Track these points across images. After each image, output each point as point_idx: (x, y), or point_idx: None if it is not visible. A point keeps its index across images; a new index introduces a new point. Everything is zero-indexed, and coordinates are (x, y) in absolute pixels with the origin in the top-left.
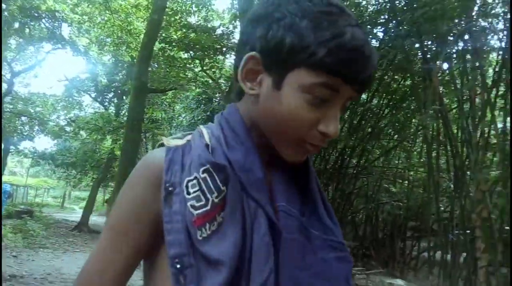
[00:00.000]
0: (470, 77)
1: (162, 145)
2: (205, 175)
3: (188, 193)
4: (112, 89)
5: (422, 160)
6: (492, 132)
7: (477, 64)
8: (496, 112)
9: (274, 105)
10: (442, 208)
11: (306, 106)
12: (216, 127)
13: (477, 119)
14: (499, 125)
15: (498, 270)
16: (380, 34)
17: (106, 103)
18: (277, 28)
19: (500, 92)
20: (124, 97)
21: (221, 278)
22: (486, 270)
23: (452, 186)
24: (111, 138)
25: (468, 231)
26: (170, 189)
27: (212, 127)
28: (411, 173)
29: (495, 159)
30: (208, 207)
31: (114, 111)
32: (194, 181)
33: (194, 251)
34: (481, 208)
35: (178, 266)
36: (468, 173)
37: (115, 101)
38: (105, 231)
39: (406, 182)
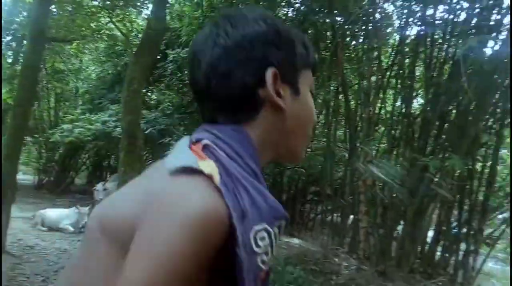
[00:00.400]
0: (368, 57)
1: (187, 168)
2: (276, 229)
3: (258, 246)
4: (11, 32)
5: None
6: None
7: (375, 45)
8: (389, 91)
9: (299, 110)
10: (340, 175)
11: (313, 102)
12: (248, 160)
13: (371, 97)
14: (389, 103)
15: (376, 231)
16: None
17: (3, 47)
18: (282, 42)
19: (393, 73)
20: (24, 41)
21: None
22: (365, 231)
23: (347, 155)
24: (7, 87)
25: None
26: (240, 239)
27: (226, 158)
28: (314, 142)
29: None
30: (271, 262)
31: (12, 57)
32: (264, 233)
33: None
34: (366, 176)
35: None
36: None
37: (14, 45)
38: (160, 272)
39: (309, 150)
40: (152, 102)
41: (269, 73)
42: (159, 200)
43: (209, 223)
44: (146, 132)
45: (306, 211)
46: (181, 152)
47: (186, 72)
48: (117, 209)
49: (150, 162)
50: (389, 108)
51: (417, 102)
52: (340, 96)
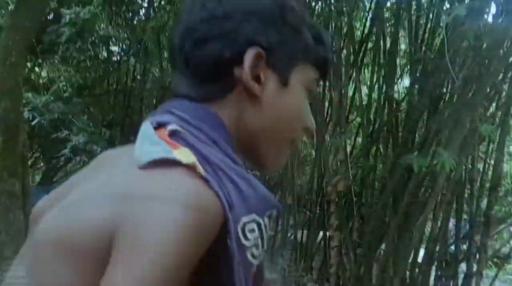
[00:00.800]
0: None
1: (162, 160)
2: (267, 220)
3: (247, 239)
4: None
5: None
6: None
7: (345, 9)
8: (365, 70)
9: (281, 104)
10: (305, 178)
11: (305, 102)
12: (224, 146)
13: (343, 76)
14: (366, 85)
15: (352, 251)
16: None
17: None
18: (283, 23)
19: (370, 46)
20: None
21: None
22: (338, 251)
23: (313, 153)
24: None
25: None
26: (232, 230)
27: (195, 140)
28: None
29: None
30: (262, 256)
31: None
32: (253, 225)
33: None
34: (337, 179)
35: None
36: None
37: None
38: (156, 274)
39: None
40: (41, 81)
41: (251, 52)
42: (139, 199)
43: (206, 216)
44: (33, 123)
45: None
46: (149, 142)
47: (90, 39)
48: (82, 219)
49: (41, 165)
50: (365, 92)
51: (402, 84)
52: None
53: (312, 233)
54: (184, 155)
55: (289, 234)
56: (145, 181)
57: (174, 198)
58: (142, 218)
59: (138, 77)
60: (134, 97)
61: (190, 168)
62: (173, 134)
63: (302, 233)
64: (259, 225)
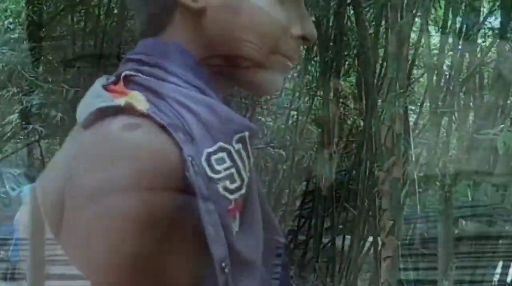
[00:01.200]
0: None
1: (98, 111)
2: (239, 145)
3: (215, 171)
4: None
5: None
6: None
7: None
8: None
9: (233, 11)
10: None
11: (274, 2)
12: (186, 75)
13: (403, 12)
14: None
15: (412, 264)
16: None
17: None
18: None
19: None
20: None
21: (255, 284)
22: (392, 263)
23: (361, 123)
24: None
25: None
26: (188, 160)
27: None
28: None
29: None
30: (243, 190)
31: None
32: (221, 154)
33: (229, 250)
34: (393, 161)
35: (227, 270)
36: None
37: None
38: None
39: (296, 112)
40: None
41: None
42: (79, 158)
43: (157, 158)
44: None
45: (288, 230)
46: (90, 97)
47: None
48: (47, 183)
49: None
50: (435, 38)
51: (488, 25)
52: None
53: (357, 239)
54: (131, 99)
55: (324, 240)
56: (83, 141)
57: (110, 153)
58: (77, 181)
59: (115, 11)
60: (109, 40)
61: (128, 108)
62: (126, 80)
63: (343, 238)
64: (229, 153)
